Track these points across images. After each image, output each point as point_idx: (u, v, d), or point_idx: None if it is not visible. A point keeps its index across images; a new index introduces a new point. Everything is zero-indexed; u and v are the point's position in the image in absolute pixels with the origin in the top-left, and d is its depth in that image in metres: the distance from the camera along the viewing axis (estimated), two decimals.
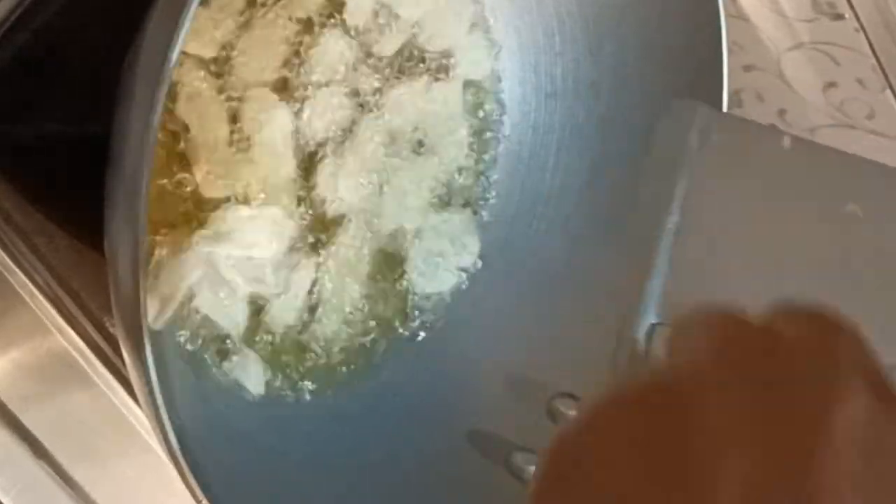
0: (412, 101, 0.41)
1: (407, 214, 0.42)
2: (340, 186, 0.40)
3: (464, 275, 0.45)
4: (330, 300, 0.41)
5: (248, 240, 0.37)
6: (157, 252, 0.35)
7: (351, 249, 0.41)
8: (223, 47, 0.37)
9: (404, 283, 0.43)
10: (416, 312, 0.44)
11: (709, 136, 0.29)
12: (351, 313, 0.42)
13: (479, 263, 0.45)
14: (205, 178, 0.36)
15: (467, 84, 0.44)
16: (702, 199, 0.29)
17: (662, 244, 0.30)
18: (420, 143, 0.42)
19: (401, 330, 0.43)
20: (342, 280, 0.41)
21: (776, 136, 0.30)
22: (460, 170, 0.44)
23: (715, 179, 0.30)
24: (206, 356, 0.38)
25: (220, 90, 0.37)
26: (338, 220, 0.41)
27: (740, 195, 0.30)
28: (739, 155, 0.30)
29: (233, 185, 0.37)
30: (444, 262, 0.44)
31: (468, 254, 0.44)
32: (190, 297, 0.36)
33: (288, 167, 0.38)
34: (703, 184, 0.29)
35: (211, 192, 0.36)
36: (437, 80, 0.42)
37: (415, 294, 0.43)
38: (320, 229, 0.41)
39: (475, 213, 0.45)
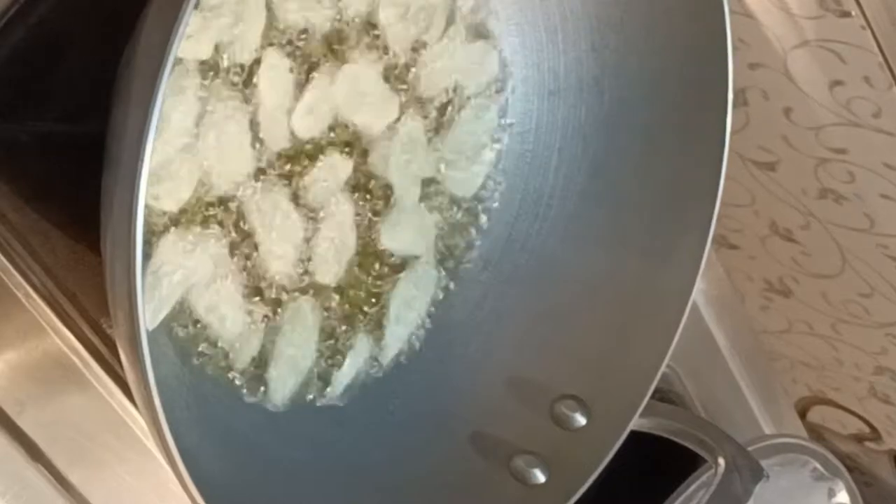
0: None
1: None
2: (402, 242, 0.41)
3: (498, 145, 0.44)
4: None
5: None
6: (154, 251, 0.35)
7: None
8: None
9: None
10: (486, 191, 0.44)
11: None
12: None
13: (510, 122, 0.44)
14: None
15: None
16: None
17: None
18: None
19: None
20: None
21: None
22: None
23: None
24: (203, 357, 0.37)
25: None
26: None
27: None
28: None
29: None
30: (474, 154, 0.43)
31: (491, 119, 0.44)
32: (188, 297, 0.36)
33: None
34: None
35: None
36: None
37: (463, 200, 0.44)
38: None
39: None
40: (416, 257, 0.43)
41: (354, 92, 0.39)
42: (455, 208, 0.44)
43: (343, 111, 0.39)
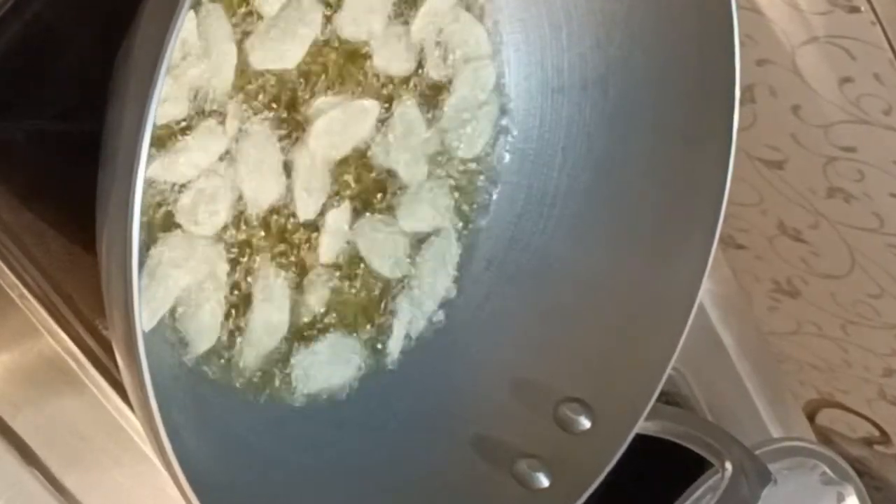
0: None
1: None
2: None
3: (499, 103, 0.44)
4: None
5: None
6: (151, 251, 0.34)
7: None
8: None
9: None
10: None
11: None
12: None
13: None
14: None
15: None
16: None
17: None
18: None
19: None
20: None
21: None
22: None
23: None
24: (201, 358, 0.37)
25: None
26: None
27: None
28: None
29: None
30: (473, 114, 0.43)
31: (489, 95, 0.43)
32: (185, 297, 0.36)
33: None
34: None
35: None
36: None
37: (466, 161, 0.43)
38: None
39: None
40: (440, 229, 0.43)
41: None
42: (465, 168, 0.44)
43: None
